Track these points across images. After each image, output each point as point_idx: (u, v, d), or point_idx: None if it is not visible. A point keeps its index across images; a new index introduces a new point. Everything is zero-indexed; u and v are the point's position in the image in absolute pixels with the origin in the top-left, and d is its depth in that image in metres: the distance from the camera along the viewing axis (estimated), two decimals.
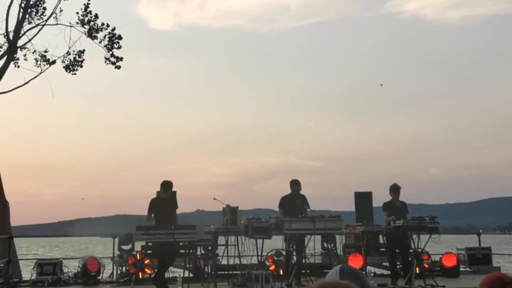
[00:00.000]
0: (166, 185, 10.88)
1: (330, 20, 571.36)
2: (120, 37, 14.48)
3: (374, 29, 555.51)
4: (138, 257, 11.63)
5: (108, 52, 14.47)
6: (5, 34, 13.77)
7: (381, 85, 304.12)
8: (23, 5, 13.91)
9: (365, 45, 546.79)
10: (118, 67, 14.62)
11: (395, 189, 11.73)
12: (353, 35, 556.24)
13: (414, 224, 11.00)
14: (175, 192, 11.46)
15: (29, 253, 44.07)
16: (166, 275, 11.22)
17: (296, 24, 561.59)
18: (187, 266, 11.30)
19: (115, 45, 14.51)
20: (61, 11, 14.27)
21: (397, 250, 11.49)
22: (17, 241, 15.84)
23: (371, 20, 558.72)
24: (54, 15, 14.17)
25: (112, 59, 14.53)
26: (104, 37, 14.42)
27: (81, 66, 14.52)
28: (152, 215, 10.84)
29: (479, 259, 13.33)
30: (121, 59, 14.56)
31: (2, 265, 11.63)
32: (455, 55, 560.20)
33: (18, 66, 14.05)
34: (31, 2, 14.04)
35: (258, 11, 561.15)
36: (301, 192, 11.67)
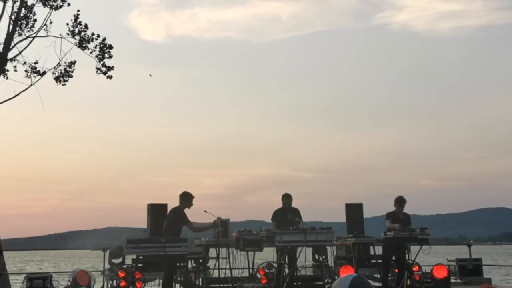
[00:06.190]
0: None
1: (320, 32, 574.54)
2: (111, 47, 14.43)
3: (364, 40, 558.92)
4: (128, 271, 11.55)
5: (99, 62, 14.42)
6: None
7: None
8: (13, 17, 13.86)
9: (355, 56, 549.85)
10: (110, 77, 14.58)
11: (399, 202, 11.55)
12: (344, 46, 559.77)
13: (404, 235, 11.00)
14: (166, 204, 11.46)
15: (19, 266, 43.67)
16: None
17: (287, 36, 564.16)
18: (178, 279, 11.23)
19: (106, 55, 14.46)
20: (51, 22, 14.22)
21: (392, 261, 11.46)
22: (7, 254, 15.70)
23: (361, 31, 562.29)
24: (44, 27, 14.12)
25: (103, 69, 14.47)
26: (95, 47, 14.38)
27: (71, 77, 14.46)
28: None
29: (470, 270, 13.28)
30: (112, 68, 14.51)
31: None
32: (445, 66, 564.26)
33: (7, 78, 13.98)
34: (21, 15, 13.99)
35: (249, 23, 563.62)
36: (293, 205, 11.68)
